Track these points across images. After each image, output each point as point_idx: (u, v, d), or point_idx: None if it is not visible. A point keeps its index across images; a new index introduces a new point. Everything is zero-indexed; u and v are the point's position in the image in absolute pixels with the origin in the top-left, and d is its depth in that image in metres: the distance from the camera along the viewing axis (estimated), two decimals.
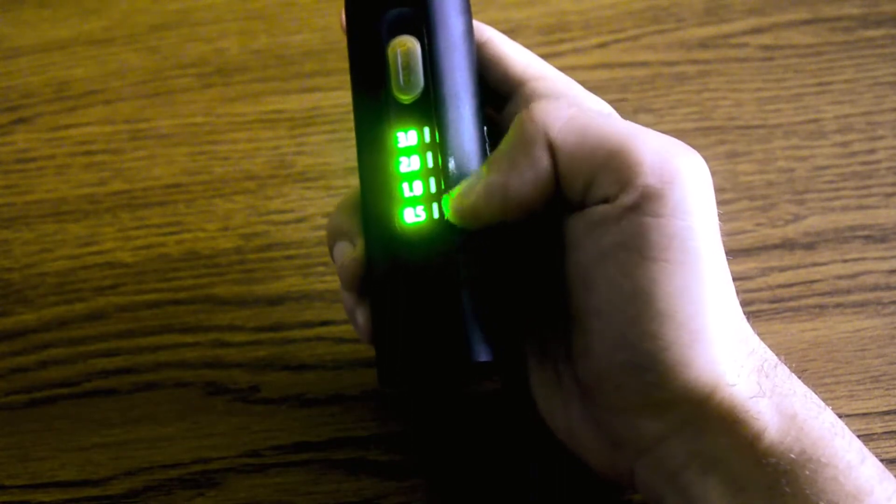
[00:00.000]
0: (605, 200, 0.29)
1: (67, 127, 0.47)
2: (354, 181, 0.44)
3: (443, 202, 0.31)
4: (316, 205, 0.44)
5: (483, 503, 0.36)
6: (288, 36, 0.50)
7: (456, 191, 0.31)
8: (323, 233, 0.43)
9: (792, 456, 0.28)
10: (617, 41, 0.49)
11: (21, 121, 0.48)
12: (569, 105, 0.31)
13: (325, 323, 0.40)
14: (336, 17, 0.50)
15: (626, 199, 0.29)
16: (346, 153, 0.45)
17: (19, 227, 0.44)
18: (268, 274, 0.42)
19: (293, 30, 0.50)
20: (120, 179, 0.45)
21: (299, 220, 0.43)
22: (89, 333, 0.41)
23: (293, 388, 0.39)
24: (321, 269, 0.42)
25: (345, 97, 0.47)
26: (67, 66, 0.49)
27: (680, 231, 0.28)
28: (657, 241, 0.28)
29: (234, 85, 0.48)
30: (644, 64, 0.47)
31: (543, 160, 0.30)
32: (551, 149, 0.30)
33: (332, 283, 0.42)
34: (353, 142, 0.46)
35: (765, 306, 0.40)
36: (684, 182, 0.29)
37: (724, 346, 0.28)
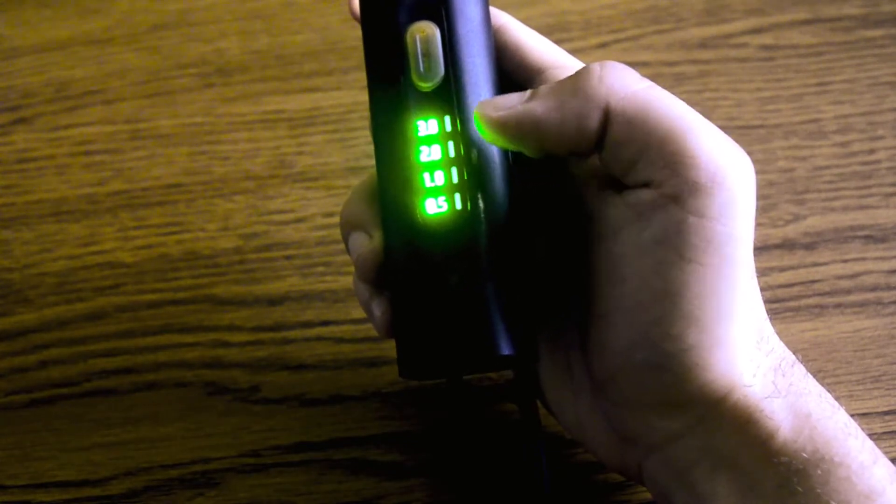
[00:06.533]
0: (647, 184, 0.29)
1: (67, 127, 0.47)
2: (355, 181, 0.44)
3: (477, 105, 0.30)
4: (316, 205, 0.44)
5: (483, 503, 0.36)
6: (288, 36, 0.50)
7: (494, 100, 0.30)
8: (323, 232, 0.43)
9: (804, 455, 0.27)
10: (617, 41, 0.49)
11: (21, 121, 0.48)
12: (640, 79, 0.30)
13: (325, 323, 0.40)
14: (337, 16, 0.50)
15: (671, 188, 0.28)
16: (346, 153, 0.45)
17: (19, 227, 0.44)
18: (268, 274, 0.42)
19: (293, 30, 0.50)
20: (120, 179, 0.45)
21: (299, 220, 0.43)
22: (89, 333, 0.41)
23: (293, 388, 0.39)
24: (321, 269, 0.42)
25: (345, 97, 0.47)
26: (67, 66, 0.49)
27: (720, 236, 0.28)
28: (696, 243, 0.28)
29: (234, 85, 0.48)
30: (644, 64, 0.47)
31: (592, 120, 0.29)
32: (605, 114, 0.29)
33: (332, 283, 0.42)
34: (354, 142, 0.46)
35: (765, 306, 0.40)
36: (732, 186, 0.28)
37: (744, 349, 0.28)
